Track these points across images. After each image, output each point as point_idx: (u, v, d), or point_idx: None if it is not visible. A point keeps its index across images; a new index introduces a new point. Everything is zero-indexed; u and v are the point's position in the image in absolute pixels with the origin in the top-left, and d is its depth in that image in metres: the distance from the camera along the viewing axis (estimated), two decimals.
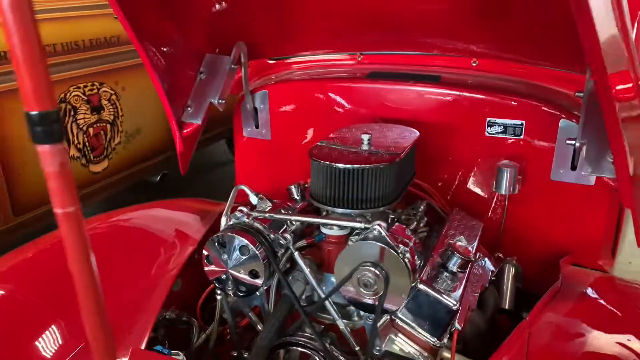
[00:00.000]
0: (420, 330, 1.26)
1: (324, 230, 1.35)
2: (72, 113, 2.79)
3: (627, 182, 1.23)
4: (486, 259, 1.66)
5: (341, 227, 1.32)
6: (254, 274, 1.22)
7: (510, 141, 1.69)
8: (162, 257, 1.53)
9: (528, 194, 1.73)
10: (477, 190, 1.81)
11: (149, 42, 1.61)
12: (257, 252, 1.19)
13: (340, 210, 1.40)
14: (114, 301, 1.43)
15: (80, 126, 2.84)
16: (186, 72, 1.81)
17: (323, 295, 1.24)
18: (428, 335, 1.25)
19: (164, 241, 1.57)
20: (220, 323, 1.49)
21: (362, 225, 1.20)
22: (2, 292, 1.32)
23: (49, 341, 1.23)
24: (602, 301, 1.44)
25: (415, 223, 1.63)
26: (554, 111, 1.60)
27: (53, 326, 1.25)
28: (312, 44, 2.00)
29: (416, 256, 1.23)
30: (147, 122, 3.31)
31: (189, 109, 1.79)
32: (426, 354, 1.24)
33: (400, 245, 1.16)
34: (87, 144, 2.90)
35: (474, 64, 1.88)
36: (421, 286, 1.24)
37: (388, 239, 1.15)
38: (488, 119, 1.70)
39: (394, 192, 1.44)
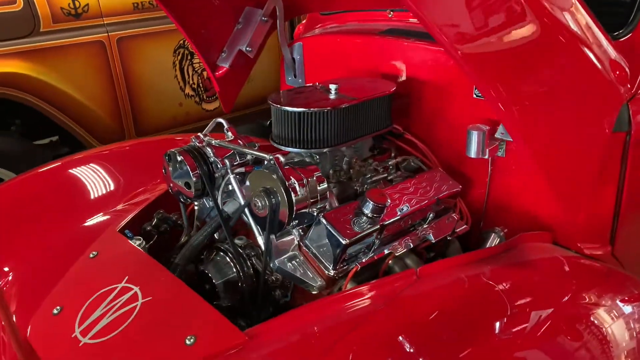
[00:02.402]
0: (319, 257, 1.42)
1: (265, 161, 1.57)
2: (189, 57, 3.34)
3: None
4: (452, 219, 1.68)
5: None
6: (188, 186, 1.51)
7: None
8: None
9: (511, 162, 1.67)
10: (465, 154, 1.80)
11: None
12: (187, 167, 1.48)
13: (289, 149, 1.60)
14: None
15: (196, 69, 3.38)
16: (227, 22, 2.12)
17: (245, 212, 1.47)
18: (324, 264, 1.41)
19: None
20: None
21: (268, 157, 1.39)
22: None
23: None
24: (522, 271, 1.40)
25: (384, 175, 1.73)
26: None
27: None
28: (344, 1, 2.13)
29: (319, 192, 1.38)
30: (258, 71, 3.74)
31: (223, 54, 2.10)
32: (319, 279, 1.40)
33: (291, 178, 1.33)
34: (201, 84, 3.44)
35: None
36: (322, 218, 1.39)
37: (279, 170, 1.33)
38: None
39: (340, 136, 1.57)
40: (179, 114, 3.40)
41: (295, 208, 1.33)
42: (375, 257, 1.48)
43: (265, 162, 1.41)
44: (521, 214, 1.73)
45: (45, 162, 2.78)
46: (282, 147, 1.61)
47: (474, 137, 1.61)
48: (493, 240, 1.77)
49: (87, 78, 3.05)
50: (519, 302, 1.29)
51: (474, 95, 1.69)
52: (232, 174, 1.53)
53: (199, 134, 1.58)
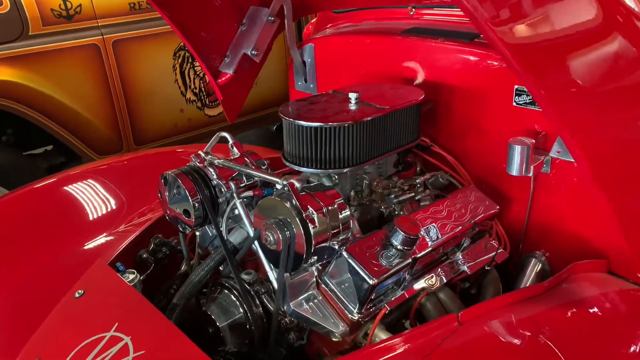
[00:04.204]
0: (341, 298, 1.21)
1: (278, 185, 1.36)
2: (190, 60, 3.13)
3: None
4: (490, 245, 1.47)
5: None
6: (187, 213, 1.30)
7: (540, 114, 1.43)
8: None
9: (561, 179, 1.46)
10: (503, 169, 1.58)
11: None
12: (187, 193, 1.27)
13: (304, 169, 1.39)
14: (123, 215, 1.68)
15: (197, 72, 3.18)
16: (229, 24, 1.90)
17: (254, 243, 1.26)
18: (347, 306, 1.20)
19: None
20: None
21: (281, 182, 1.18)
22: None
23: None
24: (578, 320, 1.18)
25: (411, 194, 1.52)
26: None
27: None
28: None
29: (342, 222, 1.17)
30: (264, 74, 3.53)
31: (226, 59, 1.89)
32: (341, 324, 1.19)
33: (308, 207, 1.12)
34: (203, 89, 3.23)
35: None
36: (344, 252, 1.19)
37: (294, 199, 1.12)
38: (515, 87, 1.46)
39: (363, 153, 1.36)
40: (180, 120, 3.19)
41: (314, 242, 1.12)
42: (406, 295, 1.28)
43: (277, 188, 1.20)
44: (566, 236, 1.52)
45: (37, 174, 2.58)
46: (295, 167, 1.40)
47: (517, 152, 1.39)
48: (534, 267, 1.57)
49: (81, 84, 2.85)
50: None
51: (514, 103, 1.47)
52: (239, 198, 1.32)
53: (199, 152, 1.37)
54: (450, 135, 1.65)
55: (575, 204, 1.45)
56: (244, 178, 1.38)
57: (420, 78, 1.66)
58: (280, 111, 1.40)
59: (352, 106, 1.43)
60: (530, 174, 1.43)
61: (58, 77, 2.77)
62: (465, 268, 1.40)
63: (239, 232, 1.35)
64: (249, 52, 1.85)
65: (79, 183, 1.89)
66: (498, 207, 1.51)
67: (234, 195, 1.32)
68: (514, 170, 1.42)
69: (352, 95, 1.43)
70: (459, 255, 1.42)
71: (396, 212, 1.47)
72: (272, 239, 1.13)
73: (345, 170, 1.36)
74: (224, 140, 1.53)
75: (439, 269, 1.37)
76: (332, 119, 1.32)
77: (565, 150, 1.31)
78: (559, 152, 1.33)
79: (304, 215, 1.11)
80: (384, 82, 1.77)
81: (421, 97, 1.48)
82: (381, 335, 1.23)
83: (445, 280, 1.35)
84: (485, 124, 1.57)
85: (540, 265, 1.56)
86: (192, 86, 3.16)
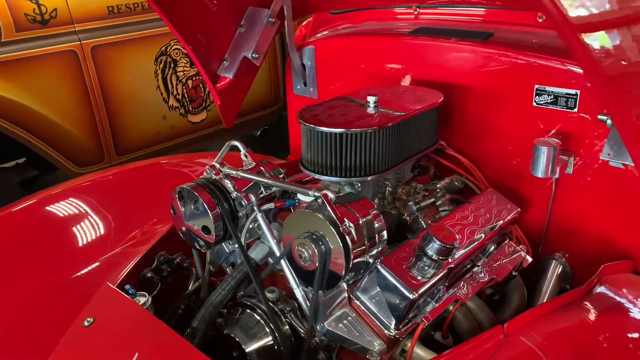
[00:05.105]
0: (377, 314, 1.14)
1: (299, 196, 1.28)
2: (172, 65, 3.01)
3: None
4: (514, 249, 1.43)
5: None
6: (207, 230, 1.21)
7: (561, 114, 1.40)
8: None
9: (583, 180, 1.43)
10: (523, 171, 1.55)
11: None
12: (207, 207, 1.18)
13: (325, 178, 1.32)
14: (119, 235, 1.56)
15: (180, 78, 3.06)
16: (227, 26, 1.81)
17: (280, 260, 1.18)
18: (384, 322, 1.13)
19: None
20: (221, 273, 1.52)
21: (312, 193, 1.10)
22: None
23: None
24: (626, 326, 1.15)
25: (431, 199, 1.47)
26: None
27: None
28: None
29: (377, 234, 1.10)
30: None
31: (224, 62, 1.80)
32: (379, 342, 1.12)
33: (345, 220, 1.05)
34: (186, 95, 3.11)
35: (540, 20, 1.57)
36: (379, 266, 1.12)
37: (330, 211, 1.04)
38: (536, 86, 1.42)
39: (387, 160, 1.30)
40: (163, 128, 3.05)
41: (352, 257, 1.05)
42: (441, 307, 1.22)
43: (299, 199, 1.12)
44: (586, 237, 1.50)
45: (10, 188, 2.39)
46: (316, 175, 1.33)
47: (544, 153, 1.36)
48: (555, 269, 1.54)
49: (59, 93, 2.68)
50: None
51: (535, 103, 1.44)
52: (260, 212, 1.23)
53: (214, 163, 1.27)
54: (465, 137, 1.61)
55: (597, 204, 1.43)
56: (261, 189, 1.29)
57: (432, 80, 1.61)
58: (299, 117, 1.33)
59: (371, 110, 1.36)
60: (557, 176, 1.41)
61: (33, 85, 2.60)
62: (493, 275, 1.35)
63: (260, 247, 1.26)
64: (249, 55, 1.76)
65: (61, 203, 1.73)
66: (519, 209, 1.47)
67: (255, 208, 1.23)
68: (540, 172, 1.39)
69: (371, 99, 1.37)
70: (484, 260, 1.37)
71: (420, 219, 1.41)
72: (306, 254, 1.05)
73: (369, 178, 1.29)
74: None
75: (468, 278, 1.32)
76: (356, 124, 1.25)
77: (617, 154, 1.27)
78: (609, 154, 1.29)
79: (340, 228, 1.04)
80: (393, 84, 1.72)
81: (440, 99, 1.43)
82: (419, 351, 1.17)
83: (476, 289, 1.29)
84: (502, 125, 1.53)
85: (561, 267, 1.53)
86: (175, 92, 3.04)
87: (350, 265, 1.05)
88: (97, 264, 1.51)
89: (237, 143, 1.42)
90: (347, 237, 1.03)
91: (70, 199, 1.74)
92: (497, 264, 1.39)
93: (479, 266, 1.35)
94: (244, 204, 1.23)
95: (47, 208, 1.69)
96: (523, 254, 1.42)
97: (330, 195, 1.06)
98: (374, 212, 1.10)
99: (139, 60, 2.84)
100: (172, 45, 2.97)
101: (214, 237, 1.21)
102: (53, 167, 2.94)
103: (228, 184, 1.24)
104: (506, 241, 1.47)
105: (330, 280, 1.07)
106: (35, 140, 2.66)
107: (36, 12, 2.56)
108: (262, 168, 1.34)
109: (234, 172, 1.25)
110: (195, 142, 3.28)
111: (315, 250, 1.04)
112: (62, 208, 1.68)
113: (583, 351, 1.06)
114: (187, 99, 3.12)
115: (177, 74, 3.02)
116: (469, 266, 1.35)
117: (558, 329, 1.12)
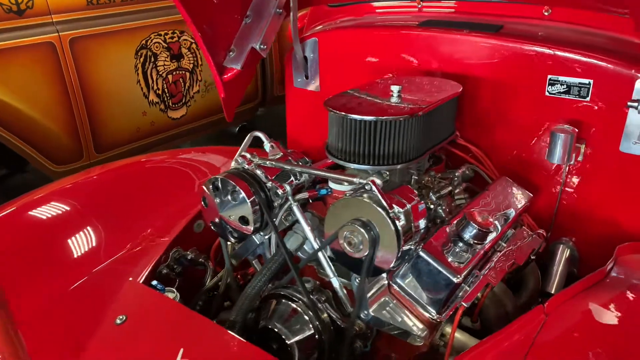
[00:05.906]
0: (418, 300, 1.15)
1: (331, 184, 1.28)
2: (152, 59, 2.92)
3: None
4: (528, 234, 1.48)
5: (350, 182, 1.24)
6: (244, 220, 1.19)
7: (573, 103, 1.46)
8: (183, 199, 1.55)
9: (592, 167, 1.49)
10: (533, 159, 1.60)
11: None
12: (245, 197, 1.15)
13: (354, 166, 1.32)
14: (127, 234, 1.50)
15: (160, 72, 2.97)
16: (232, 16, 1.78)
17: (323, 249, 1.18)
18: (426, 307, 1.14)
19: (188, 184, 1.59)
20: (240, 268, 1.49)
21: (357, 180, 1.10)
22: None
23: None
24: None
25: (448, 188, 1.49)
26: (628, 70, 1.33)
27: None
28: None
29: (421, 220, 1.12)
30: None
31: (231, 53, 1.77)
32: (421, 327, 1.14)
33: (394, 206, 1.05)
34: (166, 90, 3.03)
35: (545, 13, 1.63)
36: (421, 252, 1.13)
37: (380, 197, 1.04)
38: (549, 76, 1.47)
39: (415, 148, 1.31)
40: (143, 124, 2.94)
41: (402, 242, 1.05)
42: (472, 291, 1.25)
43: (330, 188, 1.11)
44: (594, 222, 1.57)
45: None
46: (344, 163, 1.32)
47: (561, 140, 1.41)
48: (563, 253, 1.61)
49: (36, 86, 2.54)
50: None
51: (547, 93, 1.49)
52: (295, 201, 1.22)
53: (244, 153, 1.25)
54: (475, 126, 1.65)
55: (606, 191, 1.50)
56: (291, 178, 1.28)
57: (443, 71, 1.64)
58: (326, 104, 1.32)
59: (395, 100, 1.37)
60: (572, 162, 1.46)
61: (8, 78, 2.45)
62: (513, 259, 1.39)
63: (294, 237, 1.25)
64: (257, 46, 1.74)
65: (44, 207, 1.61)
66: (532, 195, 1.53)
67: (289, 197, 1.22)
68: (556, 159, 1.44)
69: (395, 89, 1.37)
70: (504, 245, 1.41)
71: (442, 207, 1.44)
72: (356, 241, 1.05)
73: (399, 167, 1.30)
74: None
75: (494, 263, 1.35)
76: (389, 112, 1.26)
77: None
78: (636, 142, 1.35)
79: (390, 214, 1.04)
80: (403, 76, 1.73)
81: (460, 89, 1.46)
82: (458, 335, 1.20)
83: (501, 273, 1.33)
84: (513, 115, 1.58)
85: (568, 250, 1.59)
86: (155, 87, 2.95)
87: (400, 251, 1.06)
88: (108, 262, 1.44)
89: (259, 134, 1.40)
90: (397, 222, 1.04)
91: (54, 202, 1.60)
92: (516, 247, 1.43)
93: (501, 252, 1.39)
94: (279, 193, 1.21)
95: (30, 213, 1.55)
96: (540, 238, 1.47)
97: (378, 181, 1.07)
98: (417, 199, 1.12)
99: (119, 53, 2.74)
100: (152, 38, 2.88)
101: (252, 227, 1.18)
102: (25, 165, 2.79)
103: (260, 174, 1.22)
104: (518, 227, 1.52)
105: (378, 268, 1.07)
106: (10, 136, 2.51)
107: (12, 2, 2.41)
108: (289, 157, 1.32)
109: (267, 162, 1.23)
110: (175, 139, 3.20)
111: (367, 236, 1.04)
112: (46, 213, 1.56)
113: (625, 326, 1.11)
114: (167, 94, 3.04)
115: (158, 68, 2.93)
116: (492, 252, 1.39)
117: (595, 305, 1.16)
